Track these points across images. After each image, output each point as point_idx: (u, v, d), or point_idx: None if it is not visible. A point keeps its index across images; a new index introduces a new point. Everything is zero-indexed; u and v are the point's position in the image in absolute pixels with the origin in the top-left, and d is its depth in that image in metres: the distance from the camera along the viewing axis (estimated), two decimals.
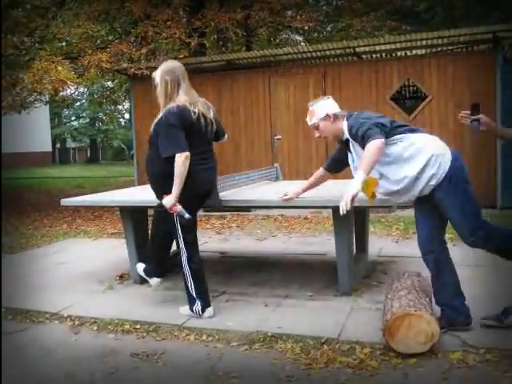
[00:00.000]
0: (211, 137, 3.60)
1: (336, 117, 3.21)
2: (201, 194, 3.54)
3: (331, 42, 11.14)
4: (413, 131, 3.08)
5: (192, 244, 3.52)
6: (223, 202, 3.80)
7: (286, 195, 3.65)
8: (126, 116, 32.31)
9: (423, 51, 8.21)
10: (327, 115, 3.20)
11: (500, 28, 7.28)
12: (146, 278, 3.78)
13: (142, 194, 4.74)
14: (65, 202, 4.47)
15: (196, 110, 3.34)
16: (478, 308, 3.39)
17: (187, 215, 3.30)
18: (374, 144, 2.83)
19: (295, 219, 7.33)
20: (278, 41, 16.56)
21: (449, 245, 5.42)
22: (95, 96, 21.44)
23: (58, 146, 40.64)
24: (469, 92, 7.63)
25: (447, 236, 5.85)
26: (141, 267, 3.78)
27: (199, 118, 3.36)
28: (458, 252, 5.12)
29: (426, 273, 3.66)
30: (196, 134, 3.36)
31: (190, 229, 3.49)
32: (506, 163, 7.46)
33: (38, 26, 9.76)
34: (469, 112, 2.91)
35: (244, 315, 3.51)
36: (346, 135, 3.13)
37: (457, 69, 7.70)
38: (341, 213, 2.90)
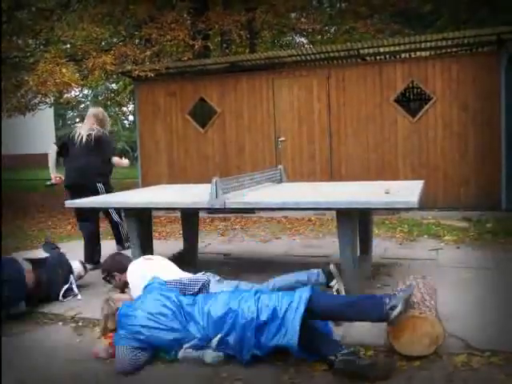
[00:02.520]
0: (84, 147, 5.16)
1: None
2: (70, 184, 5.13)
3: (335, 43, 11.13)
4: None
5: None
6: (227, 204, 3.80)
7: None
8: (131, 118, 32.39)
9: (427, 53, 8.19)
10: None
11: (505, 30, 7.25)
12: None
13: (147, 196, 4.75)
14: (69, 203, 4.49)
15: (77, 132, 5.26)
16: (481, 310, 3.39)
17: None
18: None
19: (299, 221, 7.32)
20: (282, 43, 16.56)
21: (452, 247, 5.46)
22: (99, 98, 21.50)
23: None
24: (473, 94, 7.62)
25: (450, 238, 5.88)
26: None
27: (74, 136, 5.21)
28: (461, 254, 5.13)
29: (430, 275, 3.66)
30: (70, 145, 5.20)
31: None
32: (511, 164, 7.43)
33: (43, 29, 9.80)
34: None
35: None
36: None
37: (461, 70, 7.69)
38: None
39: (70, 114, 39.90)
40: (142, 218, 4.50)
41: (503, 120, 7.44)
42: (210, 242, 6.26)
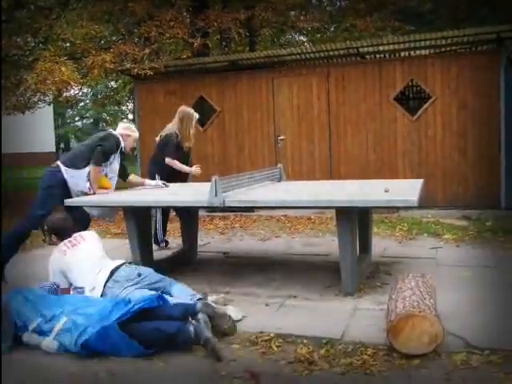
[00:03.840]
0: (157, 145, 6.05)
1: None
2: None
3: (335, 42, 11.12)
4: None
5: None
6: (226, 202, 3.80)
7: None
8: (130, 116, 32.36)
9: (427, 51, 8.19)
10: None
11: (504, 28, 7.25)
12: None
13: (146, 194, 4.75)
14: (68, 202, 4.48)
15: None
16: (480, 309, 3.39)
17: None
18: None
19: (298, 220, 7.32)
20: (281, 41, 16.53)
21: (452, 245, 5.46)
22: (99, 96, 21.46)
23: (62, 146, 40.71)
24: (473, 92, 7.62)
25: (449, 236, 5.88)
26: None
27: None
28: (461, 253, 5.13)
29: (430, 274, 3.66)
30: None
31: None
32: (510, 163, 7.43)
33: (42, 27, 9.77)
34: None
35: (247, 315, 3.50)
36: None
37: (460, 69, 7.68)
38: None
39: (69, 112, 39.84)
40: (142, 216, 4.50)
41: (502, 118, 7.43)
42: (210, 241, 6.26)
